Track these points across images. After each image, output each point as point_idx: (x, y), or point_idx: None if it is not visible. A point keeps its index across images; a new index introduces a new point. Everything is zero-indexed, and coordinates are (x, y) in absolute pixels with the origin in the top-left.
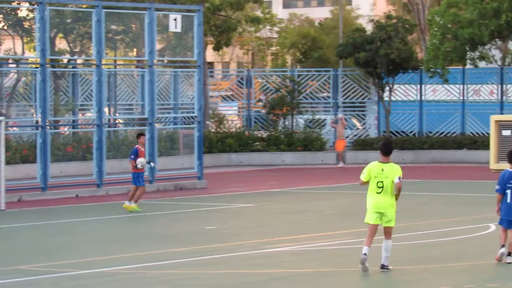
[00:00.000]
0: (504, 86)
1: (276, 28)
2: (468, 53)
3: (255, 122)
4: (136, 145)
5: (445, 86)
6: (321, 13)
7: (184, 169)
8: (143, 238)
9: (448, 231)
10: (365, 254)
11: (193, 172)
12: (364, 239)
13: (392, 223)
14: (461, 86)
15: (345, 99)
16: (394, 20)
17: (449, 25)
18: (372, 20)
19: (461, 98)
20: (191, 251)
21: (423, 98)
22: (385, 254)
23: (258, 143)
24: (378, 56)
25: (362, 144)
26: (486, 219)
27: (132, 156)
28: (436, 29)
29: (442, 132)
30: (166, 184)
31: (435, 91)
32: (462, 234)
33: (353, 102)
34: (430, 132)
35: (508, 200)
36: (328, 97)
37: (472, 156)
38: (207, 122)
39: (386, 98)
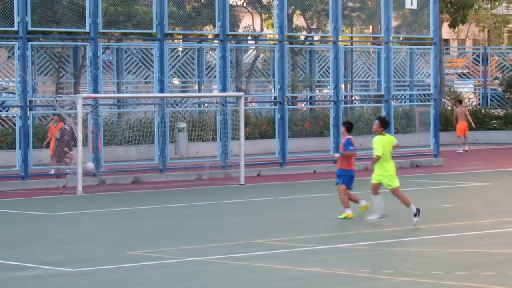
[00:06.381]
0: None
1: None
2: None
3: (491, 100)
4: (348, 136)
5: None
6: None
7: (420, 146)
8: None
9: None
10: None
11: (429, 150)
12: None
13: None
14: None
15: None
16: None
17: None
18: None
19: None
20: (428, 229)
21: None
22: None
23: (494, 121)
24: None
25: None
26: None
27: (352, 148)
28: None
29: None
30: (402, 161)
31: None
32: None
33: None
34: None
35: None
36: None
37: None
38: (443, 100)
39: None
